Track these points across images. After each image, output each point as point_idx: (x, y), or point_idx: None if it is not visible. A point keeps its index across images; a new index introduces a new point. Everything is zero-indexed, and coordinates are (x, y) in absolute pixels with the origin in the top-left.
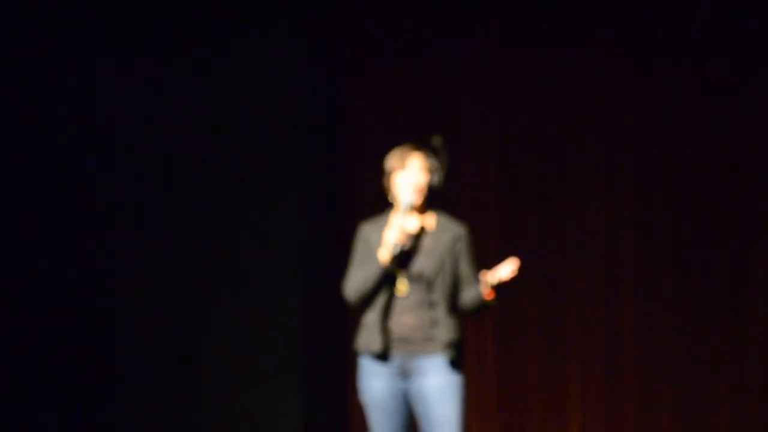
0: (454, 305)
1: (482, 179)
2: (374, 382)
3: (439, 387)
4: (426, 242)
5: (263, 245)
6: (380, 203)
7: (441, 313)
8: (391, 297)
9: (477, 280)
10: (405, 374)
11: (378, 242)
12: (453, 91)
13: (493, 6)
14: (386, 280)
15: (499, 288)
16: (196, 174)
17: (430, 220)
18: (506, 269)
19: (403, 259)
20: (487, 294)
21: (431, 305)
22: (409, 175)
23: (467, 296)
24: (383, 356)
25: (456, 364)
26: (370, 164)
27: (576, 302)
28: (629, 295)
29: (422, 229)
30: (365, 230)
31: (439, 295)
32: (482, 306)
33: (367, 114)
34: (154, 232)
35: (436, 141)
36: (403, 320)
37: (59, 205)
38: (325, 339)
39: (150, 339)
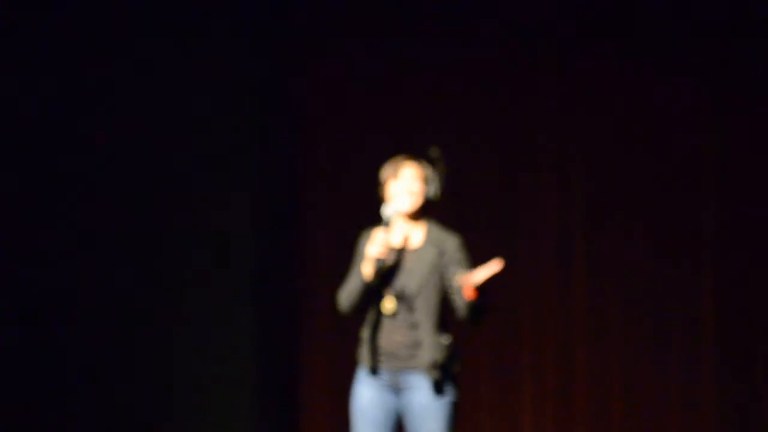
0: (441, 323)
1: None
2: (364, 391)
3: (422, 405)
4: (409, 259)
5: (216, 251)
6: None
7: (424, 333)
8: (381, 314)
9: None
10: (395, 389)
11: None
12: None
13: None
14: (375, 295)
15: (483, 289)
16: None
17: (420, 232)
18: (485, 271)
19: (388, 276)
20: (468, 295)
21: (413, 326)
22: (401, 183)
23: (456, 305)
24: (373, 371)
25: (440, 384)
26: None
27: (528, 300)
28: (581, 293)
29: (406, 245)
30: (363, 238)
31: (421, 315)
32: (474, 310)
33: (321, 112)
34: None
35: (434, 152)
36: (392, 337)
37: None
38: (278, 356)
39: (96, 360)
